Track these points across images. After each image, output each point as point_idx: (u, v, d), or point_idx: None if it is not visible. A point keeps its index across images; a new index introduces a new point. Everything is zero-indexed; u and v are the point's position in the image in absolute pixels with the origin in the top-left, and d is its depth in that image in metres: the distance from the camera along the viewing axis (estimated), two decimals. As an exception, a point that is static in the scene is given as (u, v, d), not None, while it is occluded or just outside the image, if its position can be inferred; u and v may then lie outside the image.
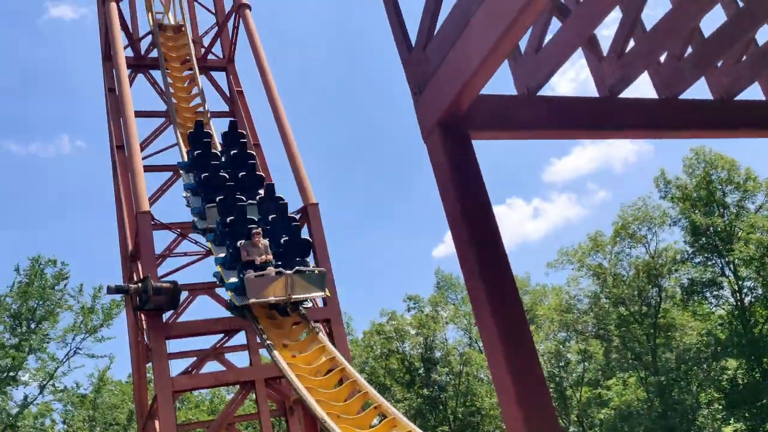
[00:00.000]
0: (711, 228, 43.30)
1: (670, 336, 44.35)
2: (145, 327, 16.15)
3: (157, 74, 21.83)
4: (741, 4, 5.61)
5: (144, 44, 22.48)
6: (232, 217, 15.29)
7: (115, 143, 20.15)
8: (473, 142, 4.68)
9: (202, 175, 16.75)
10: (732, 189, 43.76)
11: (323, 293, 14.67)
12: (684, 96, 5.60)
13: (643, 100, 5.33)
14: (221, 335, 17.14)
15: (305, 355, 13.92)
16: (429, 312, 51.99)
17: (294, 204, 17.26)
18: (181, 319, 18.36)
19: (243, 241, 14.59)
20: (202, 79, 21.69)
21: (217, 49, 23.37)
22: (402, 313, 52.32)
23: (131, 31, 22.33)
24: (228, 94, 22.71)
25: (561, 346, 50.68)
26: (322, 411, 11.46)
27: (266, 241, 14.71)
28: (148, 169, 19.34)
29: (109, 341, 40.07)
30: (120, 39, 19.85)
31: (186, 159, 18.17)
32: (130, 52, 21.75)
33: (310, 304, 15.16)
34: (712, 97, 5.81)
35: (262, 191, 16.95)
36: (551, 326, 50.67)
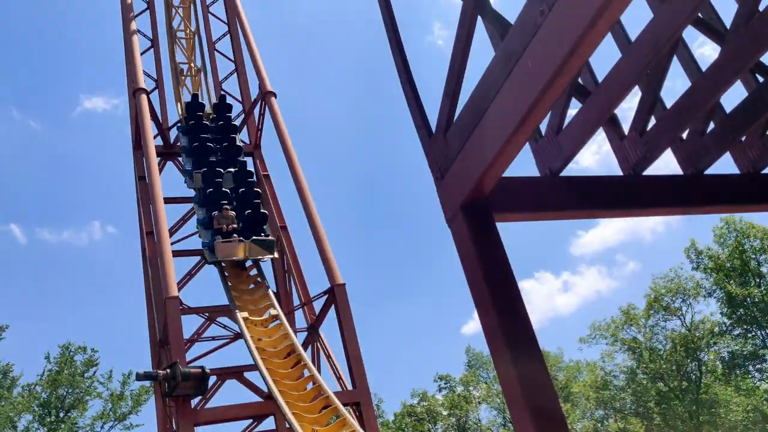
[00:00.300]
0: (748, 299, 42.20)
1: (714, 413, 42.61)
2: (174, 413, 15.94)
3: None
4: (761, 80, 5.62)
5: (173, 133, 23.15)
6: (210, 189, 19.68)
7: (145, 229, 20.47)
8: (497, 223, 4.66)
9: (192, 144, 21.06)
10: (767, 258, 42.86)
11: (272, 256, 19.11)
12: (710, 171, 5.54)
13: (668, 177, 5.28)
14: (250, 420, 16.85)
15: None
16: (461, 392, 50.79)
17: (321, 284, 17.29)
18: (210, 404, 18.12)
19: (216, 212, 18.92)
20: (229, 165, 22.13)
21: (243, 135, 23.93)
22: (433, 393, 51.18)
23: (161, 120, 23.03)
24: (255, 179, 23.08)
25: (599, 425, 48.90)
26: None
27: (233, 213, 19.04)
28: (176, 254, 19.56)
29: (137, 429, 39.58)
30: (150, 128, 20.44)
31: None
32: (159, 141, 22.37)
33: (266, 259, 19.32)
34: (738, 171, 5.74)
35: (240, 158, 21.43)
36: (587, 404, 49.08)
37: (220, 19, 26.61)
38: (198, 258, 21.03)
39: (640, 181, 5.09)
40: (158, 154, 20.87)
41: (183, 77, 25.17)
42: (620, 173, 5.39)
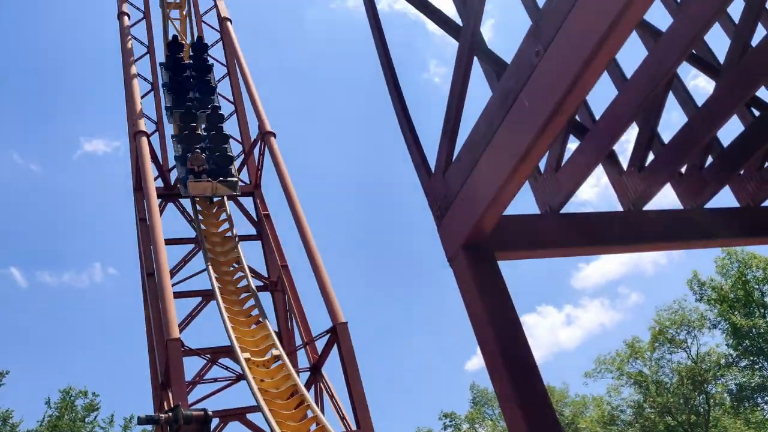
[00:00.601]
0: (753, 330, 41.90)
1: (724, 446, 42.01)
2: (174, 459, 15.69)
3: (186, 202, 22.42)
4: (757, 113, 5.66)
5: (174, 174, 23.26)
6: (186, 132, 23.09)
7: (146, 271, 20.43)
8: (499, 262, 4.65)
9: (173, 82, 24.52)
10: (770, 288, 42.68)
11: (235, 193, 22.49)
12: (709, 204, 5.55)
13: (669, 212, 5.28)
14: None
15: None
16: (466, 429, 50.12)
17: (323, 321, 17.23)
18: (212, 448, 17.85)
19: (190, 155, 22.16)
20: (229, 205, 22.21)
21: (243, 175, 24.06)
22: (439, 431, 50.50)
23: (161, 162, 23.16)
24: (255, 218, 23.14)
25: (608, 461, 48.13)
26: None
27: (204, 156, 22.30)
28: (177, 295, 19.48)
29: (138, 474, 38.97)
30: (150, 170, 20.54)
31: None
32: (160, 183, 22.46)
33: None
34: (738, 205, 5.75)
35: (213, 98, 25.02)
36: (595, 440, 48.35)
37: (219, 62, 26.94)
38: (199, 299, 20.97)
39: (640, 217, 5.09)
40: (159, 196, 20.93)
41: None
42: (620, 208, 5.40)
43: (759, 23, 5.24)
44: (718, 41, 6.08)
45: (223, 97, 26.18)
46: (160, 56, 26.52)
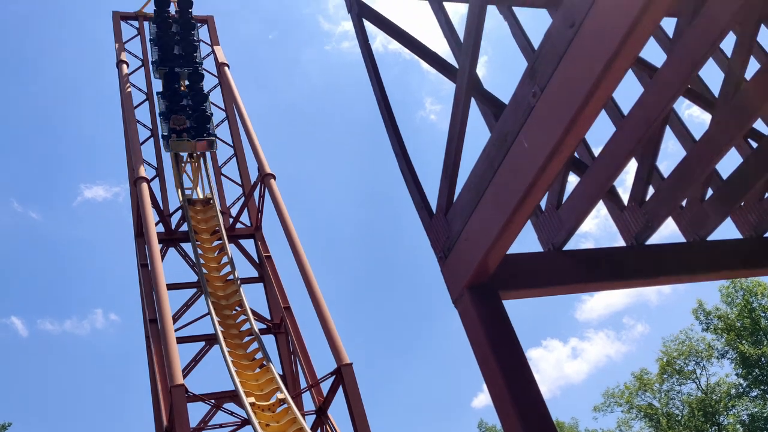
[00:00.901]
0: (762, 358, 41.50)
1: (739, 479, 41.27)
2: None
3: (187, 247, 22.43)
4: (755, 145, 5.69)
5: (174, 218, 23.33)
6: (169, 92, 25.53)
7: (149, 317, 20.32)
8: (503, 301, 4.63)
9: (158, 37, 26.50)
10: (777, 315, 42.37)
11: (213, 150, 25.36)
12: (712, 237, 5.55)
13: (672, 245, 5.28)
14: None
15: None
16: (476, 468, 49.27)
17: (328, 363, 17.10)
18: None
19: (173, 116, 24.76)
20: (231, 248, 22.21)
21: (244, 217, 24.11)
22: (447, 471, 49.66)
23: (162, 207, 23.23)
24: (257, 260, 23.11)
25: (621, 498, 47.21)
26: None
27: (183, 117, 24.86)
28: (180, 340, 19.38)
29: None
30: (151, 216, 20.59)
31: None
32: (161, 228, 22.50)
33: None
34: (741, 236, 5.75)
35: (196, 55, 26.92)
36: (608, 476, 47.51)
37: (217, 106, 27.20)
38: (203, 343, 20.84)
39: (643, 251, 5.09)
40: (160, 241, 20.97)
41: (183, 164, 25.58)
42: (622, 243, 5.40)
43: (751, 57, 5.30)
44: (712, 74, 6.15)
45: (221, 140, 26.38)
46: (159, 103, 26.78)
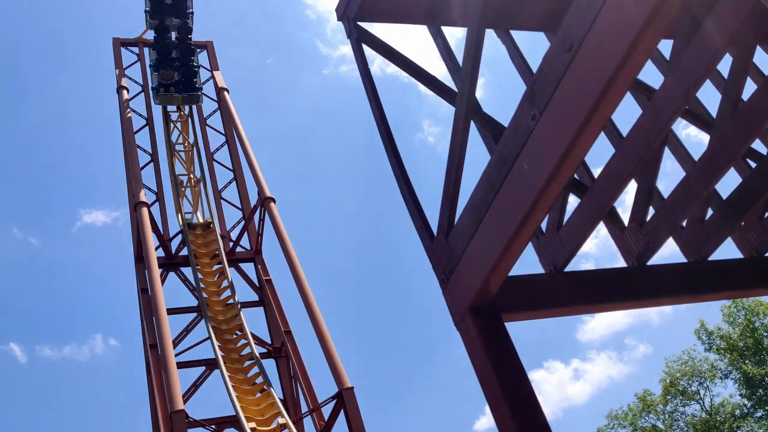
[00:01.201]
0: (766, 378, 41.24)
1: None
2: None
3: (187, 271, 22.39)
4: (753, 165, 5.72)
5: (174, 243, 23.31)
6: (157, 43, 26.71)
7: (149, 342, 20.22)
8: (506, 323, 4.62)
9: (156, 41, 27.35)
10: (780, 335, 42.16)
11: (198, 102, 27.15)
12: (713, 257, 5.55)
13: (673, 266, 5.29)
14: None
15: None
16: (479, 493, 48.72)
17: (329, 387, 17.02)
18: None
19: (161, 70, 26.25)
20: (231, 272, 22.18)
21: (244, 241, 24.10)
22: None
23: (162, 232, 23.22)
24: (257, 284, 23.07)
25: None
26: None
27: (171, 71, 26.43)
28: (181, 365, 19.25)
29: None
30: (151, 241, 20.57)
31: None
32: (161, 252, 22.47)
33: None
34: (741, 256, 5.75)
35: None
36: (613, 499, 46.95)
37: (217, 131, 27.31)
38: (203, 368, 20.71)
39: (644, 272, 5.09)
40: (160, 266, 20.93)
41: (183, 188, 25.66)
42: (623, 264, 5.40)
43: (748, 78, 5.34)
44: (709, 95, 6.19)
45: (221, 165, 26.46)
46: (159, 126, 26.91)
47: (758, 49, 5.90)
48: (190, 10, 27.70)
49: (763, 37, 6.03)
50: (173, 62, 26.66)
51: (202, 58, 28.70)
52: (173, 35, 27.90)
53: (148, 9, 27.28)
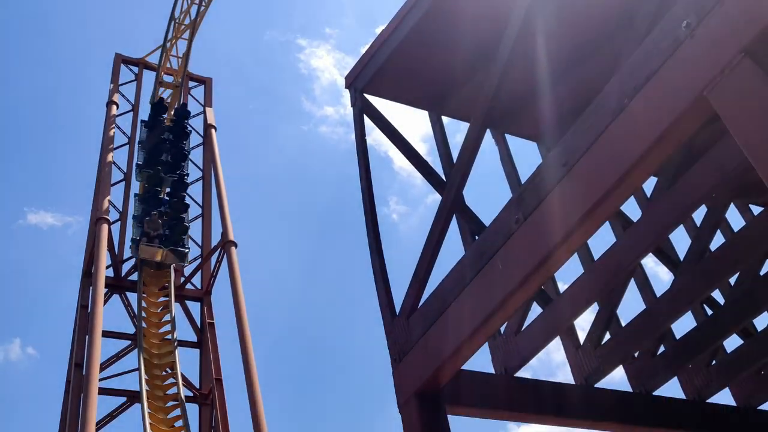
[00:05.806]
0: None
1: None
2: None
3: (132, 297, 21.91)
4: (710, 312, 5.91)
5: (126, 265, 22.90)
6: (149, 194, 24.00)
7: (75, 360, 19.56)
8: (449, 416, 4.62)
9: (150, 143, 25.52)
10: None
11: (183, 264, 23.36)
12: (658, 392, 5.66)
13: (618, 393, 5.37)
14: None
15: None
16: None
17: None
18: None
19: (148, 218, 22.75)
20: (176, 307, 21.76)
21: (196, 279, 23.76)
22: None
23: (117, 252, 22.83)
24: (199, 325, 22.62)
25: None
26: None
27: (159, 222, 22.90)
28: (102, 391, 18.56)
29: None
30: (104, 259, 20.22)
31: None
32: (110, 272, 22.00)
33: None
34: (684, 397, 5.86)
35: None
36: None
37: (196, 165, 27.19)
38: (124, 399, 19.98)
39: (591, 393, 5.16)
40: (106, 286, 20.47)
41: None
42: (573, 381, 5.47)
43: (718, 231, 5.60)
44: (680, 238, 6.43)
45: (192, 199, 26.29)
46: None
47: (732, 207, 6.21)
48: (186, 172, 25.68)
49: (739, 195, 6.35)
50: (162, 214, 23.32)
51: (198, 92, 28.90)
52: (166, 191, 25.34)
53: (140, 162, 24.99)
